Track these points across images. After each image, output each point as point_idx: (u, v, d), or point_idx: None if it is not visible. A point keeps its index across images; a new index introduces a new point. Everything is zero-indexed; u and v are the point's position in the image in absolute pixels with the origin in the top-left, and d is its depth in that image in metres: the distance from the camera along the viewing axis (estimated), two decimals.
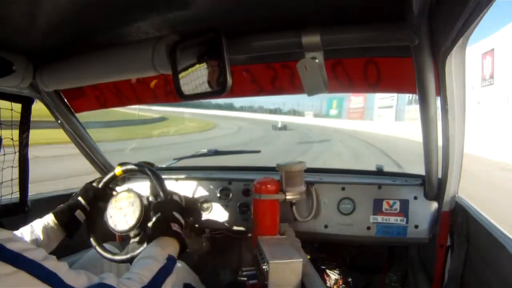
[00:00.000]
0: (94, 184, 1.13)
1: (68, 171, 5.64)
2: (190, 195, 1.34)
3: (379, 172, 1.38)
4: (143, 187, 1.23)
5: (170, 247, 0.87)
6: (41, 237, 0.95)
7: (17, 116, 1.17)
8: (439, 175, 1.04)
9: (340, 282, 1.40)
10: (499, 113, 9.85)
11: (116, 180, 1.15)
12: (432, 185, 1.07)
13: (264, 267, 0.88)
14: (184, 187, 1.35)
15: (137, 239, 1.04)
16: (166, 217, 0.94)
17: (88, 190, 1.10)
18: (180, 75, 0.84)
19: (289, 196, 1.11)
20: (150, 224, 0.94)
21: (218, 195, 1.33)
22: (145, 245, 0.94)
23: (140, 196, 1.05)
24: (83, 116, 1.37)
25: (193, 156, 1.77)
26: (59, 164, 7.31)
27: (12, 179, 1.18)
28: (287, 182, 1.11)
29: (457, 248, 0.97)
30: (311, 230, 1.21)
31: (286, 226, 1.16)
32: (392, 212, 1.14)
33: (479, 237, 0.89)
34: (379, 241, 1.17)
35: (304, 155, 9.35)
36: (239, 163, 1.69)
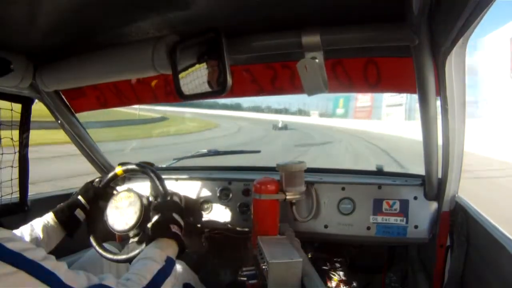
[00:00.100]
0: (95, 183, 1.13)
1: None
2: (190, 195, 1.34)
3: (379, 172, 1.38)
4: (143, 187, 1.23)
5: (169, 248, 0.87)
6: (41, 236, 0.96)
7: (17, 116, 1.17)
8: (439, 175, 1.04)
9: (340, 282, 1.40)
10: None
11: (116, 180, 1.15)
12: (432, 185, 1.07)
13: (264, 267, 0.88)
14: (184, 187, 1.35)
15: (136, 239, 1.04)
16: (165, 218, 0.94)
17: (88, 189, 1.10)
18: (180, 75, 0.84)
19: (289, 196, 1.11)
20: (149, 225, 0.94)
21: (218, 195, 1.33)
22: (144, 245, 0.94)
23: (140, 196, 1.05)
24: (83, 116, 1.37)
25: (193, 156, 1.77)
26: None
27: (12, 179, 1.18)
28: (287, 182, 1.11)
29: (457, 248, 0.97)
30: (311, 230, 1.21)
31: (286, 226, 1.16)
32: (392, 212, 1.14)
33: (479, 237, 0.89)
34: (379, 241, 1.17)
35: (303, 156, 9.32)
36: (239, 163, 1.69)
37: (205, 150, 1.77)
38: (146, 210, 1.02)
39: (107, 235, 1.15)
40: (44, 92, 1.16)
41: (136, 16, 0.77)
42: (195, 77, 0.85)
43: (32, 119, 1.22)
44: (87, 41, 0.91)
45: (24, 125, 1.21)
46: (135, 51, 0.86)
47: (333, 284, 1.40)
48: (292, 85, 1.04)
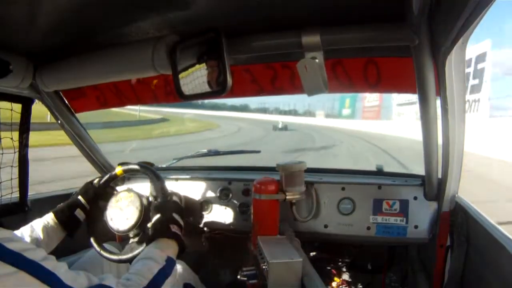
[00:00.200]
0: (94, 183, 1.13)
1: None
2: (190, 195, 1.34)
3: (379, 172, 1.38)
4: (143, 187, 1.23)
5: (169, 249, 0.87)
6: (41, 236, 0.96)
7: (17, 117, 1.17)
8: (439, 175, 1.04)
9: (340, 282, 1.40)
10: None
11: (116, 180, 1.15)
12: (432, 185, 1.07)
13: (264, 267, 0.88)
14: (184, 187, 1.35)
15: (136, 239, 1.04)
16: (165, 218, 0.94)
17: (88, 189, 1.10)
18: (180, 75, 0.84)
19: (289, 196, 1.11)
20: (149, 225, 0.94)
21: (218, 195, 1.33)
22: (144, 245, 0.94)
23: (140, 196, 1.05)
24: (83, 117, 1.37)
25: (193, 156, 1.77)
26: None
27: (12, 179, 1.18)
28: (287, 182, 1.11)
29: (457, 248, 0.97)
30: (311, 230, 1.21)
31: (286, 226, 1.16)
32: (392, 212, 1.14)
33: (479, 237, 0.89)
34: (379, 241, 1.17)
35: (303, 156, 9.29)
36: (239, 163, 1.69)
37: (205, 150, 1.77)
38: (146, 210, 1.02)
39: (107, 235, 1.15)
40: (44, 92, 1.16)
41: (136, 16, 0.77)
42: (195, 77, 0.85)
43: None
44: (87, 41, 0.91)
45: (24, 125, 1.21)
46: (135, 51, 0.86)
47: (333, 284, 1.40)
48: (292, 85, 1.04)
